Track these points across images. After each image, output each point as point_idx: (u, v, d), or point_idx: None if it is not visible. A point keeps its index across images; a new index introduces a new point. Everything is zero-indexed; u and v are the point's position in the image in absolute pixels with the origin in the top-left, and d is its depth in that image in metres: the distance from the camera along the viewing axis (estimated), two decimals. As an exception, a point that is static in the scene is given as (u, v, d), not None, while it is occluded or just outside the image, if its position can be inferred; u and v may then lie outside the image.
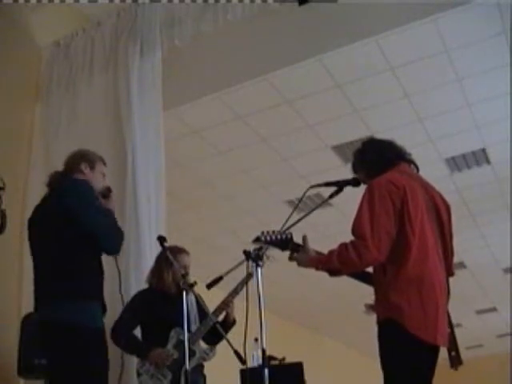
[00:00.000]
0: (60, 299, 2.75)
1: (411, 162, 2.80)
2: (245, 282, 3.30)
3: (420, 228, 2.52)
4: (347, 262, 2.47)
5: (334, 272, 2.56)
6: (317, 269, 2.60)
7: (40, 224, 2.94)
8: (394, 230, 2.49)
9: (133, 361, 3.40)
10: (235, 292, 3.40)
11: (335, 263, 2.50)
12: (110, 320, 3.34)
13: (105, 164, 3.21)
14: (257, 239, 2.70)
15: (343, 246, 2.50)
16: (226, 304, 3.42)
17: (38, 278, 2.86)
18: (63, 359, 2.69)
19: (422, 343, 2.39)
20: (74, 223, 2.81)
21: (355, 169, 2.87)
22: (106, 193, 3.13)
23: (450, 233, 2.73)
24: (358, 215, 2.53)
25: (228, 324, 3.49)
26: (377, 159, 2.76)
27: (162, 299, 3.38)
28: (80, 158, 3.12)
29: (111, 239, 2.93)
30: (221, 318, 3.50)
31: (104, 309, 2.93)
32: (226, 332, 3.39)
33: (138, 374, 3.26)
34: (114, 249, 2.98)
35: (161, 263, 3.43)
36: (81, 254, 2.83)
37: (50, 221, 2.87)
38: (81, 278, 2.80)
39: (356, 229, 2.51)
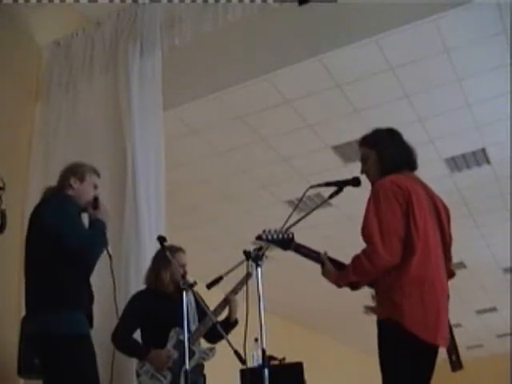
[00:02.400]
0: (44, 311, 2.81)
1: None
2: (244, 281, 3.31)
3: (423, 230, 2.52)
4: (362, 271, 2.48)
5: (354, 285, 2.59)
6: (339, 286, 2.63)
7: (27, 239, 3.02)
8: (403, 230, 2.49)
9: (131, 361, 3.40)
10: (234, 292, 3.40)
11: (351, 276, 2.53)
12: (108, 324, 3.34)
13: (98, 174, 3.20)
14: (259, 237, 2.70)
15: (356, 257, 2.51)
16: (226, 302, 3.43)
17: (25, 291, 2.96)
18: (55, 368, 2.76)
19: (422, 343, 2.39)
20: (50, 239, 2.86)
21: (366, 142, 2.82)
22: (94, 203, 3.11)
23: (449, 236, 2.74)
24: (366, 220, 2.53)
25: (230, 323, 3.47)
26: (401, 153, 2.77)
27: (160, 299, 3.37)
28: (69, 173, 3.14)
29: (85, 250, 2.91)
30: (223, 316, 3.50)
31: (90, 322, 2.95)
32: (228, 331, 3.38)
33: (138, 375, 3.26)
34: (87, 259, 2.95)
35: (158, 263, 3.42)
36: (61, 268, 2.86)
37: (33, 237, 2.97)
38: (62, 290, 2.84)
39: (365, 234, 2.52)
